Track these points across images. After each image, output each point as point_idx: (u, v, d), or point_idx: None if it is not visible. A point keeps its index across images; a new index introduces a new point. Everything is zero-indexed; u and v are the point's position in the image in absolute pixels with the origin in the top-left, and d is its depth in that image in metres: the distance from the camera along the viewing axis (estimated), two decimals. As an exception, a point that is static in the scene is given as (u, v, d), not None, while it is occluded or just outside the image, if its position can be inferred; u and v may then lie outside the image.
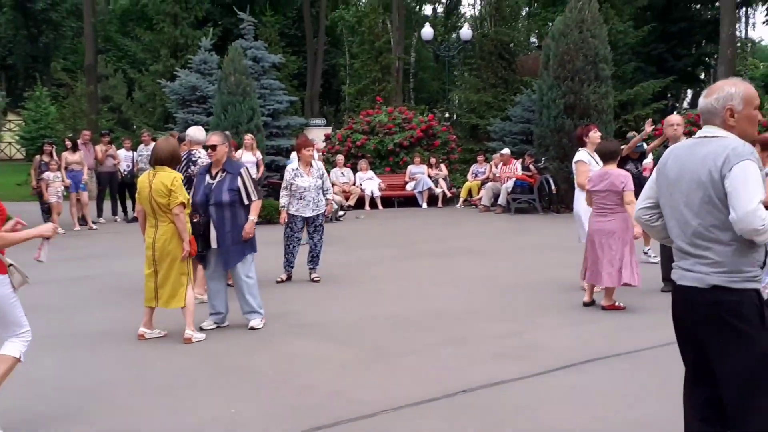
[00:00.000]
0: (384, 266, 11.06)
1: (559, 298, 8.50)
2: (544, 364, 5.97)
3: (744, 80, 3.48)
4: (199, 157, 8.78)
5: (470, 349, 6.50)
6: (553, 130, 17.78)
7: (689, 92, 41.84)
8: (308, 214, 9.68)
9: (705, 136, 3.40)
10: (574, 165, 8.89)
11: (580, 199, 8.74)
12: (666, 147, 8.72)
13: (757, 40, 59.44)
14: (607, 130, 17.63)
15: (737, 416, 3.29)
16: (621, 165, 10.88)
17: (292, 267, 9.88)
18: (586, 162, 8.70)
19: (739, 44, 39.55)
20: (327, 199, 9.93)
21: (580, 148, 8.97)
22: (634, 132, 10.86)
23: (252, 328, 7.22)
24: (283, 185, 9.82)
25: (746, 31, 48.85)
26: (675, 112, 10.21)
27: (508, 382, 5.60)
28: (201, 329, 7.12)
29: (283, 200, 9.64)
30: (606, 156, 7.96)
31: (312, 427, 4.75)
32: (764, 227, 3.10)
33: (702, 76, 38.20)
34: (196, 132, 9.27)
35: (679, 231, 3.42)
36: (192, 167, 8.45)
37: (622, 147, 9.49)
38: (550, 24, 23.89)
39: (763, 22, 42.30)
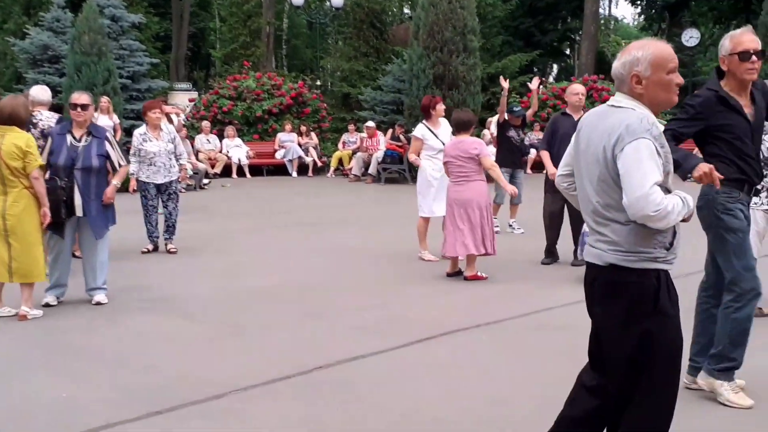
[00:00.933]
0: (247, 237, 10.64)
1: (424, 268, 8.39)
2: (404, 337, 5.79)
3: (660, 40, 3.18)
4: (41, 119, 8.08)
5: (330, 323, 6.25)
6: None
7: (555, 66, 43.13)
8: (160, 180, 9.16)
9: (612, 105, 3.16)
10: (411, 139, 8.95)
11: (421, 171, 8.82)
12: (563, 113, 8.57)
13: (620, 18, 61.91)
14: (474, 101, 17.79)
15: (619, 407, 3.14)
16: (502, 132, 10.93)
17: (156, 237, 9.38)
18: (420, 137, 8.76)
19: (603, 21, 40.97)
20: (180, 165, 9.43)
21: (422, 121, 8.95)
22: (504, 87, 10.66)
23: (99, 303, 6.70)
24: (131, 151, 9.22)
25: (609, 8, 50.73)
26: (539, 85, 10.34)
27: (366, 356, 5.38)
28: (47, 305, 6.56)
29: (133, 167, 9.01)
30: (460, 126, 7.88)
31: (151, 412, 4.36)
32: (659, 213, 2.86)
33: (567, 52, 39.37)
34: (39, 92, 8.55)
35: (583, 206, 3.23)
36: (33, 129, 7.74)
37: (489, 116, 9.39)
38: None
39: (626, 0, 43.88)
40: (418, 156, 8.78)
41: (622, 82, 3.10)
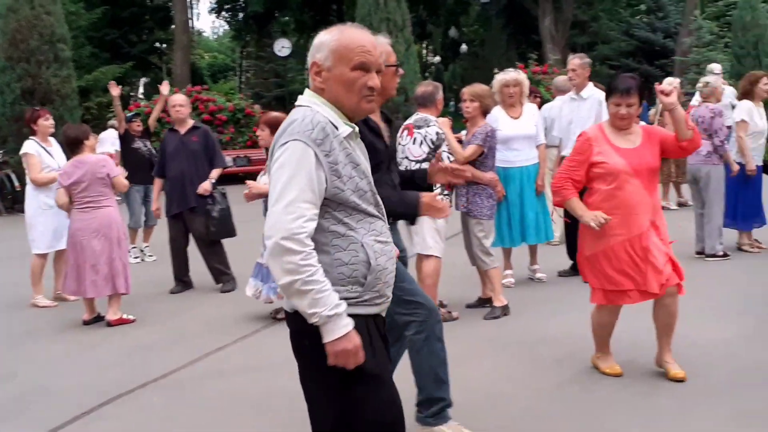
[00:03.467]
0: None
1: (47, 318, 6.83)
2: (43, 421, 4.41)
3: (385, 36, 2.64)
4: None
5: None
6: (10, 119, 15.42)
7: (143, 80, 41.51)
8: None
9: (296, 105, 2.49)
10: (23, 158, 7.46)
11: (33, 197, 7.38)
12: (171, 129, 7.75)
13: (201, 31, 62.19)
14: (72, 116, 15.94)
15: None
16: (125, 145, 9.53)
17: None
18: (34, 153, 7.39)
19: (192, 32, 40.50)
20: None
21: (29, 137, 7.57)
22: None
23: None
24: None
25: (192, 21, 50.49)
26: (132, 100, 9.43)
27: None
28: None
29: None
30: (71, 143, 6.53)
31: None
32: (290, 244, 2.22)
33: (159, 63, 38.18)
34: None
35: None
36: None
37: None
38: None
39: (209, 11, 44.01)
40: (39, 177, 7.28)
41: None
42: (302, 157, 2.29)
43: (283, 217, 2.24)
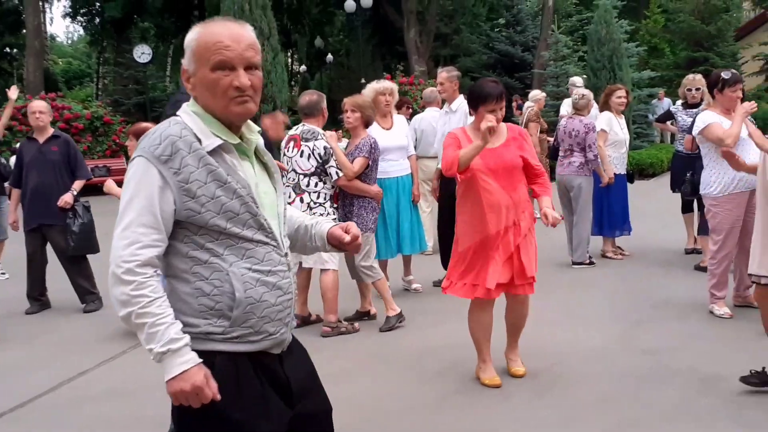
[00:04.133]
0: None
1: None
2: None
3: (231, 20, 2.17)
4: None
5: None
6: None
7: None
8: None
9: None
10: None
11: None
12: (29, 138, 7.29)
13: (56, 36, 59.33)
14: None
15: None
16: None
17: None
18: None
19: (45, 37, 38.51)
20: None
21: None
22: None
23: None
24: None
25: (46, 25, 48.06)
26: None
27: None
28: None
29: None
30: None
31: None
32: (123, 275, 2.02)
33: (9, 69, 36.12)
34: None
35: None
36: None
37: None
38: None
39: (63, 15, 42.05)
40: None
41: None
42: (144, 175, 2.06)
43: (117, 242, 2.04)
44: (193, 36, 2.14)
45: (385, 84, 6.70)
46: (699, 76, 8.49)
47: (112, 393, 4.88)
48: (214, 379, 2.06)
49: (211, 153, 2.11)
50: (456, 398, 4.53)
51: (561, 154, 8.18)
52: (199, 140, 2.10)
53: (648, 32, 28.99)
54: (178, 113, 2.19)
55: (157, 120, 4.18)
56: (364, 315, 6.31)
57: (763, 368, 4.31)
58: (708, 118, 5.84)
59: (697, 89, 8.10)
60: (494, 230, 4.45)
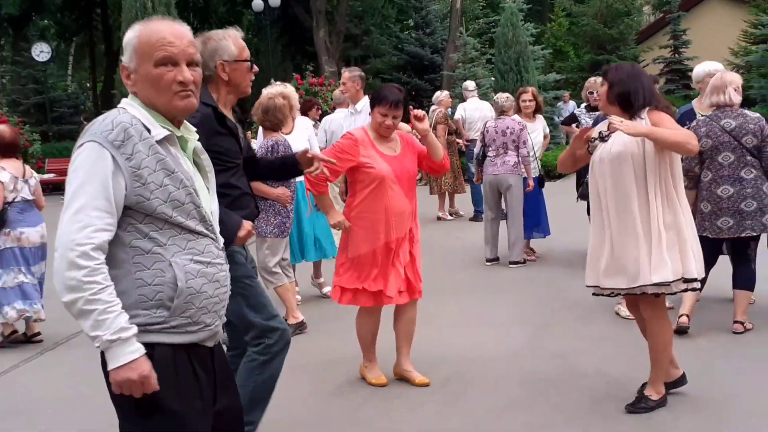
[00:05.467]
0: None
1: None
2: None
3: (166, 18, 2.28)
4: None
5: None
6: None
7: None
8: None
9: None
10: None
11: None
12: None
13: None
14: None
15: None
16: None
17: None
18: None
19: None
20: None
21: None
22: None
23: None
24: None
25: None
26: None
27: None
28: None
29: None
30: None
31: None
32: (76, 261, 2.01)
33: None
34: None
35: None
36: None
37: None
38: None
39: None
40: None
41: None
42: (97, 160, 2.08)
43: (69, 226, 2.04)
44: (134, 34, 2.23)
45: (277, 89, 6.41)
46: (600, 79, 8.64)
47: (4, 413, 4.57)
48: (153, 369, 2.09)
49: (159, 143, 2.17)
50: (366, 410, 4.44)
51: (492, 154, 8.16)
52: (148, 129, 2.17)
53: (553, 35, 29.68)
54: (120, 106, 2.24)
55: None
56: (298, 327, 5.93)
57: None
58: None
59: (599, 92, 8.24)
60: (395, 236, 4.48)
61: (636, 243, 3.86)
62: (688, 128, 5.08)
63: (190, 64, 2.26)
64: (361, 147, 4.51)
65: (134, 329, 2.07)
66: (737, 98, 5.35)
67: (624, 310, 5.98)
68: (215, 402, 2.32)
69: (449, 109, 12.39)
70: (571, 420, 4.11)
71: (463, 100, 12.42)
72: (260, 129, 6.39)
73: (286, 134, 6.50)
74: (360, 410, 4.44)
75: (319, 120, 10.15)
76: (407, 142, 4.71)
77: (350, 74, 7.33)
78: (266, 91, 6.23)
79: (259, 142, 6.18)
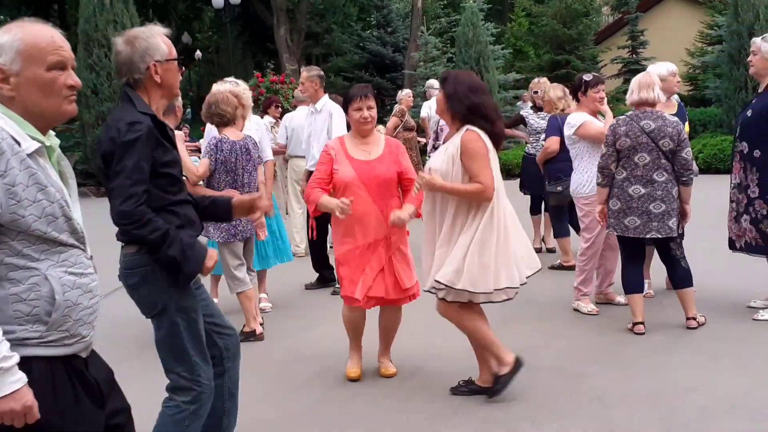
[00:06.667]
0: None
1: None
2: None
3: (38, 22, 2.20)
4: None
5: None
6: None
7: None
8: None
9: None
10: None
11: None
12: None
13: None
14: None
15: None
16: None
17: None
18: None
19: None
20: None
21: None
22: None
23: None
24: None
25: None
26: None
27: None
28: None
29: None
30: None
31: None
32: None
33: None
34: None
35: None
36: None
37: None
38: None
39: None
40: None
41: None
42: None
43: None
44: (14, 36, 2.13)
45: (227, 86, 6.14)
46: (544, 79, 8.79)
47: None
48: (32, 384, 2.03)
49: (29, 156, 2.08)
50: (325, 406, 4.44)
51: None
52: (18, 143, 2.05)
53: (513, 35, 29.94)
54: None
55: None
56: (250, 335, 5.74)
57: (470, 378, 4.55)
58: (580, 117, 6.03)
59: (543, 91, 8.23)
60: (362, 242, 4.53)
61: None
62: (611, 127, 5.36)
63: (71, 68, 2.24)
64: (333, 154, 4.61)
65: (16, 357, 2.00)
66: (663, 97, 5.51)
67: (585, 306, 6.06)
68: (104, 406, 2.30)
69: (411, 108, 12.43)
70: (525, 415, 4.15)
71: (425, 98, 12.46)
72: (207, 126, 6.28)
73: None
74: (319, 406, 4.44)
75: (280, 118, 10.14)
76: (391, 149, 4.68)
77: (308, 74, 7.25)
78: (215, 88, 6.02)
79: (206, 141, 6.05)
